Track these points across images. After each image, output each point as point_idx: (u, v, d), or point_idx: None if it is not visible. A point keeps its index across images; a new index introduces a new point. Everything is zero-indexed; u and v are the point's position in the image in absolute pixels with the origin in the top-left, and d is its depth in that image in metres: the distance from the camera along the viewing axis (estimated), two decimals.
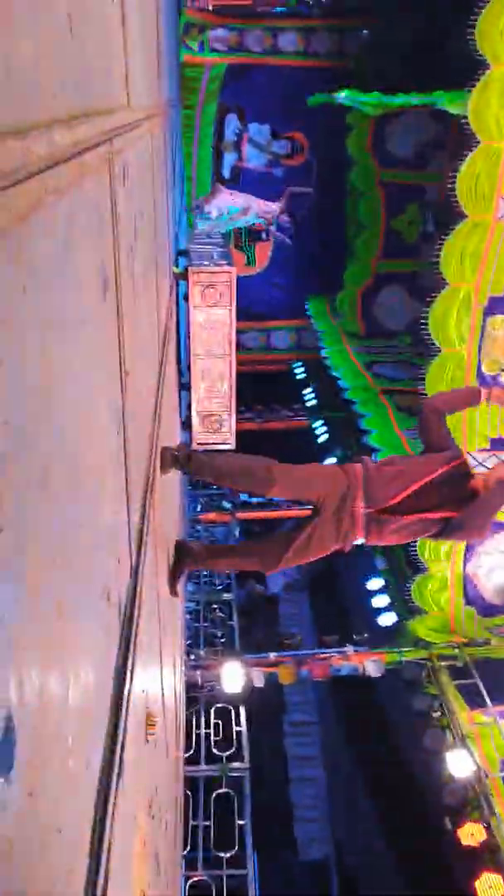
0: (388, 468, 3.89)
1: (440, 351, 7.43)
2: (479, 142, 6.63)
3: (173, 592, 3.84)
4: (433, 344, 7.43)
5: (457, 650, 8.48)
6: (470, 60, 6.46)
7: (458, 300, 7.22)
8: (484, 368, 7.53)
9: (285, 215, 10.73)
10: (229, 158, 12.95)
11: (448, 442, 4.01)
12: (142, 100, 2.84)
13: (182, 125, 11.81)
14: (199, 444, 6.35)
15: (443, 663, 8.42)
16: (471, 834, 6.75)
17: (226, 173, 13.17)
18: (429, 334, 7.38)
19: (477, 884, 6.54)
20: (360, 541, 3.89)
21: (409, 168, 12.89)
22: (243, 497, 11.86)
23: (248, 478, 4.01)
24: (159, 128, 4.18)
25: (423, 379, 7.54)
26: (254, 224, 10.39)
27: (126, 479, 1.94)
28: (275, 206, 10.13)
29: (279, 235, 12.09)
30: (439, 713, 7.94)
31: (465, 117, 6.61)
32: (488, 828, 6.72)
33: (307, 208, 12.88)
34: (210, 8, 11.62)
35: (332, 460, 12.13)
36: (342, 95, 10.12)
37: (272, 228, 10.90)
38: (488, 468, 4.03)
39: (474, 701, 7.91)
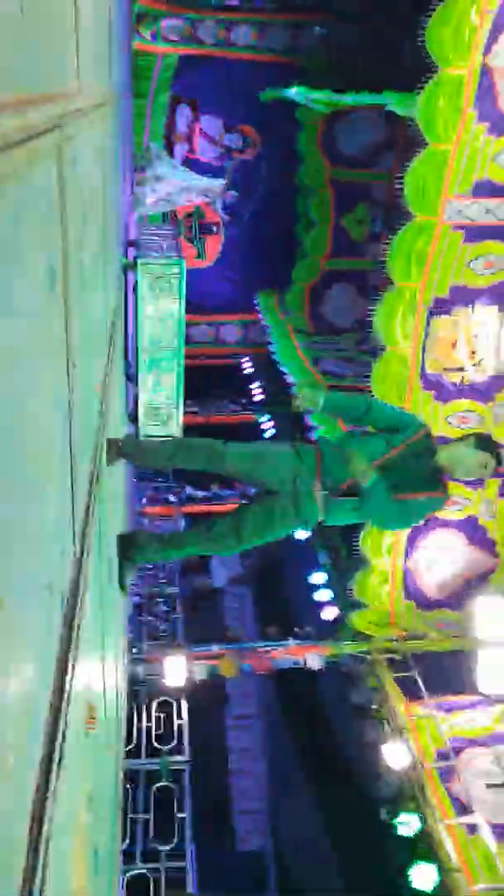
0: (343, 448, 3.80)
1: (385, 349, 7.52)
2: (426, 144, 6.72)
3: (122, 586, 3.75)
4: (379, 342, 7.52)
5: (396, 643, 8.62)
6: (421, 63, 6.54)
7: (404, 300, 7.31)
8: (427, 368, 7.66)
9: (230, 190, 10.25)
10: (180, 150, 12.86)
11: (403, 419, 3.92)
12: (93, 87, 2.80)
13: (133, 114, 11.68)
14: (144, 436, 6.32)
15: (382, 656, 8.55)
16: (405, 824, 6.89)
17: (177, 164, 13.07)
18: (375, 332, 7.47)
19: (411, 873, 6.68)
20: (322, 519, 3.82)
21: (358, 167, 12.99)
22: (188, 491, 11.85)
23: (201, 453, 3.91)
24: (110, 115, 4.13)
25: (369, 376, 7.63)
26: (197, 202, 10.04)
27: (71, 472, 1.93)
28: (218, 183, 9.87)
29: (224, 217, 11.69)
30: (378, 705, 8.07)
31: (414, 119, 6.69)
32: (423, 818, 6.86)
33: (255, 188, 12.72)
34: None
35: None
36: (294, 91, 10.15)
37: (217, 207, 10.39)
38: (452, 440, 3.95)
39: (412, 693, 8.06)
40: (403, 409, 4.03)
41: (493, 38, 6.28)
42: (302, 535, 9.85)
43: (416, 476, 3.76)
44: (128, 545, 3.86)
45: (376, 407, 3.96)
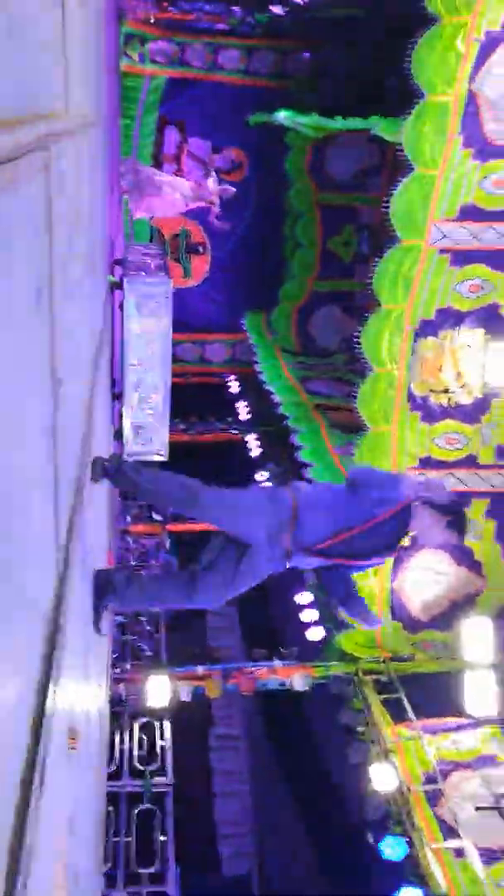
0: (319, 511, 3.74)
1: (373, 370, 7.56)
2: (413, 168, 6.80)
3: (97, 629, 3.60)
4: (366, 363, 7.56)
5: (383, 664, 8.59)
6: (407, 89, 6.64)
7: (391, 321, 7.36)
8: (414, 389, 7.70)
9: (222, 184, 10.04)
10: (168, 171, 12.95)
11: (389, 484, 3.81)
12: (80, 107, 2.82)
13: (121, 135, 11.77)
14: (130, 454, 6.31)
15: (369, 678, 8.51)
16: (392, 847, 6.82)
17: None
18: (362, 353, 7.51)
19: None
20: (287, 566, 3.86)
21: (345, 190, 13.13)
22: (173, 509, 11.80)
23: (175, 501, 3.90)
24: (98, 135, 4.16)
25: (356, 397, 7.66)
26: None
27: (55, 490, 1.92)
28: (210, 183, 9.62)
29: (216, 223, 11.29)
30: (364, 727, 8.02)
31: (401, 144, 6.77)
32: (410, 841, 6.80)
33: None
34: (152, 20, 11.65)
35: (264, 475, 12.19)
36: (282, 116, 10.26)
37: (214, 209, 10.02)
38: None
39: (399, 715, 8.01)
40: (389, 473, 3.99)
41: (478, 66, 6.39)
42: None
43: (377, 543, 3.78)
44: (104, 587, 3.64)
45: (362, 480, 3.87)
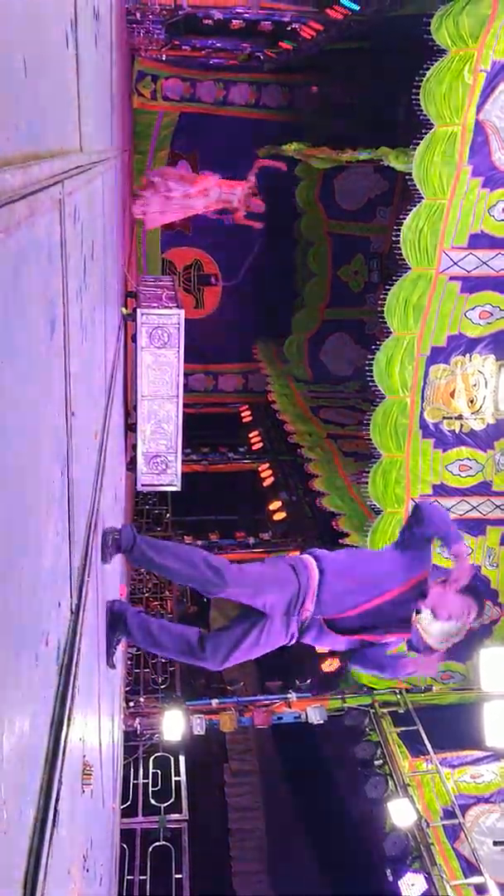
0: (345, 578, 3.64)
1: (385, 398, 7.56)
2: (422, 197, 6.86)
3: (109, 663, 3.53)
4: (378, 390, 7.56)
5: (399, 696, 8.47)
6: (415, 120, 6.71)
7: (402, 349, 7.37)
8: (426, 416, 7.68)
9: (255, 195, 9.35)
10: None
11: (422, 557, 3.69)
12: (94, 143, 2.87)
13: (134, 170, 11.95)
14: (143, 485, 6.31)
15: (385, 710, 8.39)
16: (411, 884, 6.68)
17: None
18: (374, 381, 7.51)
19: None
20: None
21: (355, 220, 13.25)
22: (187, 539, 11.76)
23: (196, 581, 3.68)
24: (111, 171, 4.22)
25: (368, 424, 7.65)
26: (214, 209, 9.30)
27: (69, 521, 1.92)
28: (240, 189, 8.88)
29: (226, 221, 10.49)
30: (381, 761, 7.89)
31: (410, 174, 6.84)
32: (429, 878, 6.66)
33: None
34: (163, 58, 11.88)
35: (277, 503, 12.15)
36: (292, 149, 10.39)
37: (239, 213, 9.27)
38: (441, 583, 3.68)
39: (416, 748, 7.89)
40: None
41: (486, 96, 6.47)
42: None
43: (393, 617, 3.67)
44: (115, 619, 3.60)
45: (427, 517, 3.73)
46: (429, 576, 3.64)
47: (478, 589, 3.80)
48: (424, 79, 6.48)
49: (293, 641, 3.76)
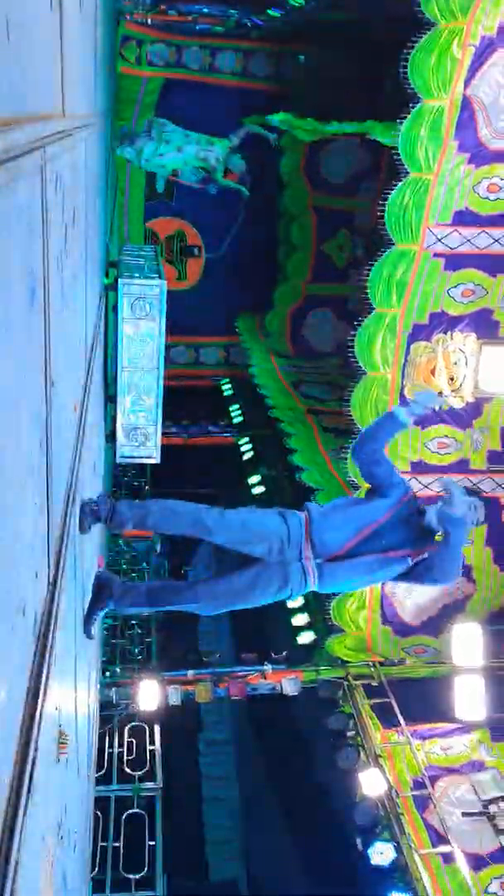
0: (334, 514, 3.72)
1: (366, 374, 7.57)
2: (408, 172, 6.82)
3: (88, 634, 3.54)
4: (359, 367, 7.56)
5: (372, 669, 8.58)
6: (402, 93, 6.65)
7: (384, 325, 7.37)
8: (406, 393, 7.70)
9: (243, 164, 8.83)
10: (163, 172, 12.94)
11: (392, 477, 3.80)
12: (76, 108, 2.81)
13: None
14: (123, 457, 6.29)
15: (358, 682, 8.50)
16: (381, 853, 6.81)
17: (159, 187, 13.18)
18: (355, 357, 7.51)
19: None
20: (314, 587, 3.69)
21: (340, 194, 13.15)
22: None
23: (185, 520, 3.68)
24: (93, 137, 4.15)
25: (349, 400, 7.67)
26: (191, 166, 8.75)
27: (47, 491, 1.91)
28: (217, 150, 8.46)
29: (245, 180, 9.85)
30: (354, 732, 8.01)
31: (396, 148, 6.79)
32: (398, 846, 6.80)
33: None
34: (149, 22, 11.65)
35: (256, 478, 12.17)
36: (277, 119, 10.26)
37: (216, 176, 8.89)
38: (436, 493, 3.96)
39: (388, 720, 8.01)
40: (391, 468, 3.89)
41: (473, 71, 6.41)
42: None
43: (406, 537, 3.73)
44: (101, 589, 3.63)
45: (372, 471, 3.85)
46: (412, 495, 3.78)
47: (470, 490, 3.84)
48: (412, 52, 6.41)
49: (295, 596, 3.77)
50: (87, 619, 3.49)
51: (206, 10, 11.52)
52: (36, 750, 1.53)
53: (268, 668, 8.70)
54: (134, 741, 8.11)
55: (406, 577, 3.83)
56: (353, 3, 9.28)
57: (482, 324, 7.60)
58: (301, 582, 3.64)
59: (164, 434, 6.41)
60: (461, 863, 6.51)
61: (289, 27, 11.48)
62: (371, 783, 7.25)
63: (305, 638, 9.37)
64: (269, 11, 10.94)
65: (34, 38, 1.63)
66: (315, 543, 3.62)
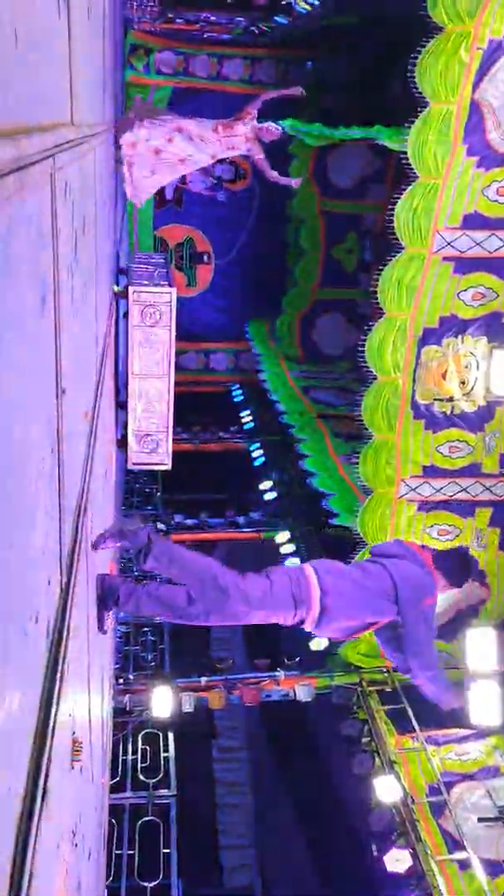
0: (344, 610, 3.95)
1: (376, 378, 7.55)
2: (417, 176, 6.81)
3: (101, 629, 3.66)
4: (369, 371, 7.55)
5: (386, 675, 8.54)
6: (410, 98, 6.65)
7: (394, 330, 7.35)
8: (418, 397, 7.68)
9: (257, 145, 7.71)
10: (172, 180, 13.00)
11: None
12: (86, 117, 2.83)
13: None
14: (134, 463, 6.31)
15: (372, 688, 8.47)
16: (396, 860, 6.77)
17: (168, 195, 13.24)
18: (365, 362, 7.50)
19: None
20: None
21: (349, 198, 13.15)
22: (177, 518, 11.79)
23: (199, 593, 3.87)
24: (103, 145, 4.17)
25: (359, 405, 7.65)
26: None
27: (59, 499, 1.91)
28: (240, 126, 7.39)
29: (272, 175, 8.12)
30: (368, 738, 7.97)
31: (405, 152, 6.78)
32: (414, 854, 6.76)
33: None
34: (157, 30, 11.71)
35: (267, 483, 12.14)
36: (286, 125, 10.28)
37: (259, 158, 7.69)
38: None
39: (402, 726, 7.97)
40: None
41: (482, 74, 6.40)
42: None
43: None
44: (106, 594, 3.71)
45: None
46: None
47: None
48: (420, 56, 6.41)
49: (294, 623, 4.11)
50: (99, 616, 3.57)
51: (213, 19, 11.56)
52: (50, 757, 1.53)
53: (281, 674, 8.67)
54: (148, 748, 8.10)
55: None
56: (360, 8, 9.29)
57: (493, 327, 7.57)
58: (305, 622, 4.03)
59: (174, 440, 6.42)
60: (478, 869, 6.45)
61: (296, 34, 11.50)
62: (386, 789, 7.20)
63: (318, 644, 9.34)
64: (276, 18, 10.96)
65: (43, 47, 1.63)
66: (320, 622, 3.96)
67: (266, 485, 12.25)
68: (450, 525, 8.20)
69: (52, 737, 1.58)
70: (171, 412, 6.15)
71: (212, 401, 14.48)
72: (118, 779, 7.71)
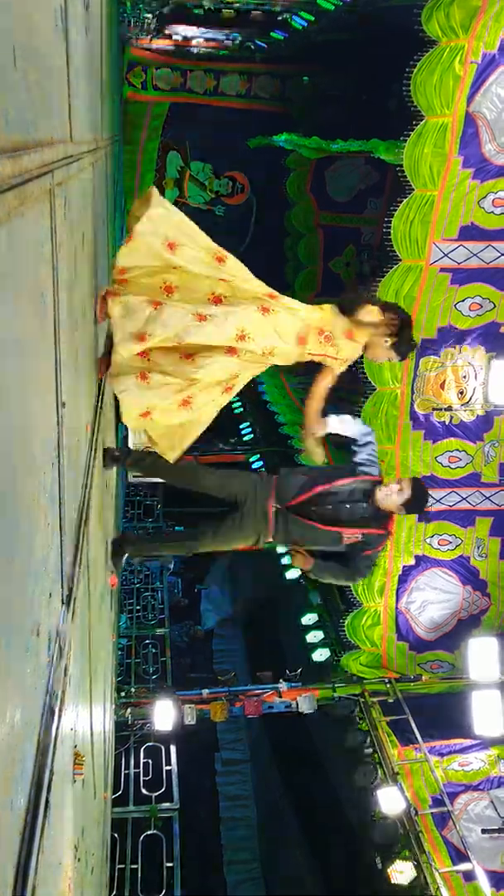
0: (299, 474, 4.37)
1: (375, 389, 7.57)
2: (413, 189, 6.85)
3: (117, 568, 4.29)
4: (368, 382, 7.56)
5: (388, 686, 8.52)
6: (405, 111, 6.70)
7: None
8: (416, 407, 7.71)
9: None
10: (170, 195, 13.07)
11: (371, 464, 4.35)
12: (84, 133, 2.85)
13: (124, 160, 11.88)
14: (134, 476, 6.32)
15: (375, 699, 8.44)
16: (400, 872, 6.73)
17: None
18: (364, 373, 7.52)
19: None
20: (270, 538, 4.28)
21: (346, 211, 13.22)
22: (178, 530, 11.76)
23: (180, 475, 4.59)
24: (101, 161, 4.20)
25: (359, 416, 7.66)
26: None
27: (60, 512, 1.92)
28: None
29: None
30: (371, 749, 7.94)
31: (401, 165, 6.83)
32: (417, 866, 6.72)
33: None
34: (153, 47, 11.81)
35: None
36: (282, 139, 10.36)
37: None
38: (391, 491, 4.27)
39: (405, 737, 7.94)
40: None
41: (476, 87, 6.46)
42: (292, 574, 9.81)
43: (354, 513, 4.21)
44: (119, 543, 4.34)
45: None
46: (378, 480, 4.28)
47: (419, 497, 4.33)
48: (415, 70, 6.47)
49: (261, 543, 4.36)
50: (114, 557, 4.21)
51: (209, 35, 11.66)
52: (52, 771, 1.53)
53: (283, 685, 8.65)
54: (150, 762, 8.06)
55: (340, 557, 4.36)
56: (355, 23, 9.37)
57: (491, 337, 7.61)
58: (264, 526, 4.23)
59: None
60: (482, 881, 6.42)
61: (292, 49, 11.60)
62: (389, 801, 7.17)
63: (320, 655, 9.31)
64: (272, 34, 11.06)
65: (41, 64, 1.65)
66: (277, 492, 4.22)
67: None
68: (450, 535, 8.20)
69: (55, 750, 1.58)
70: None
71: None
72: (120, 793, 7.67)
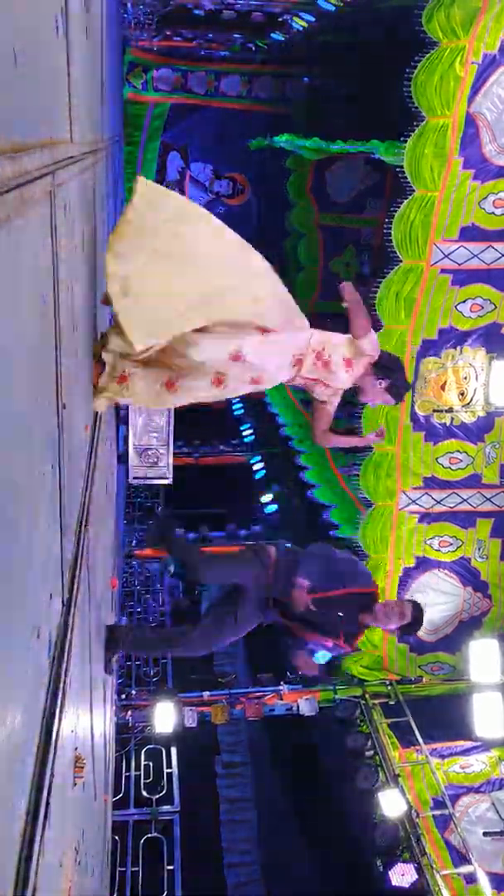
0: (299, 581, 4.09)
1: None
2: (413, 190, 6.85)
3: (108, 671, 4.05)
4: None
5: (389, 688, 8.51)
6: (406, 112, 6.70)
7: (393, 342, 7.38)
8: (417, 409, 7.70)
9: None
10: None
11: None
12: (85, 134, 2.85)
13: (125, 161, 11.89)
14: (135, 477, 6.31)
15: (376, 701, 8.43)
16: (401, 874, 6.72)
17: None
18: None
19: None
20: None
21: (347, 212, 13.23)
22: (178, 533, 11.76)
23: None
24: (102, 162, 4.20)
25: (360, 417, 7.66)
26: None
27: (60, 514, 1.91)
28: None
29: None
30: (372, 752, 7.93)
31: (401, 166, 6.82)
32: (419, 868, 6.70)
33: None
34: (154, 48, 11.81)
35: (268, 496, 12.15)
36: (282, 140, 10.36)
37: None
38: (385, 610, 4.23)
39: (406, 739, 7.93)
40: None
41: (477, 88, 6.46)
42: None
43: (330, 622, 4.17)
44: (113, 642, 4.10)
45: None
46: (373, 592, 4.26)
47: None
48: (416, 71, 6.47)
49: (264, 620, 4.34)
50: (106, 660, 3.94)
51: (210, 36, 11.67)
52: (52, 774, 1.52)
53: (284, 688, 8.64)
54: (151, 764, 8.05)
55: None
56: (355, 24, 9.38)
57: (492, 338, 7.60)
58: (264, 612, 4.27)
59: (175, 454, 6.42)
60: (484, 883, 6.41)
61: (292, 50, 11.61)
62: (390, 803, 7.15)
63: (321, 657, 9.29)
64: (273, 35, 11.07)
65: (42, 65, 1.65)
66: (275, 583, 4.15)
67: (267, 497, 12.25)
68: (451, 536, 8.19)
69: (55, 753, 1.57)
70: (171, 426, 6.15)
71: (212, 414, 14.49)
72: (121, 795, 7.65)
